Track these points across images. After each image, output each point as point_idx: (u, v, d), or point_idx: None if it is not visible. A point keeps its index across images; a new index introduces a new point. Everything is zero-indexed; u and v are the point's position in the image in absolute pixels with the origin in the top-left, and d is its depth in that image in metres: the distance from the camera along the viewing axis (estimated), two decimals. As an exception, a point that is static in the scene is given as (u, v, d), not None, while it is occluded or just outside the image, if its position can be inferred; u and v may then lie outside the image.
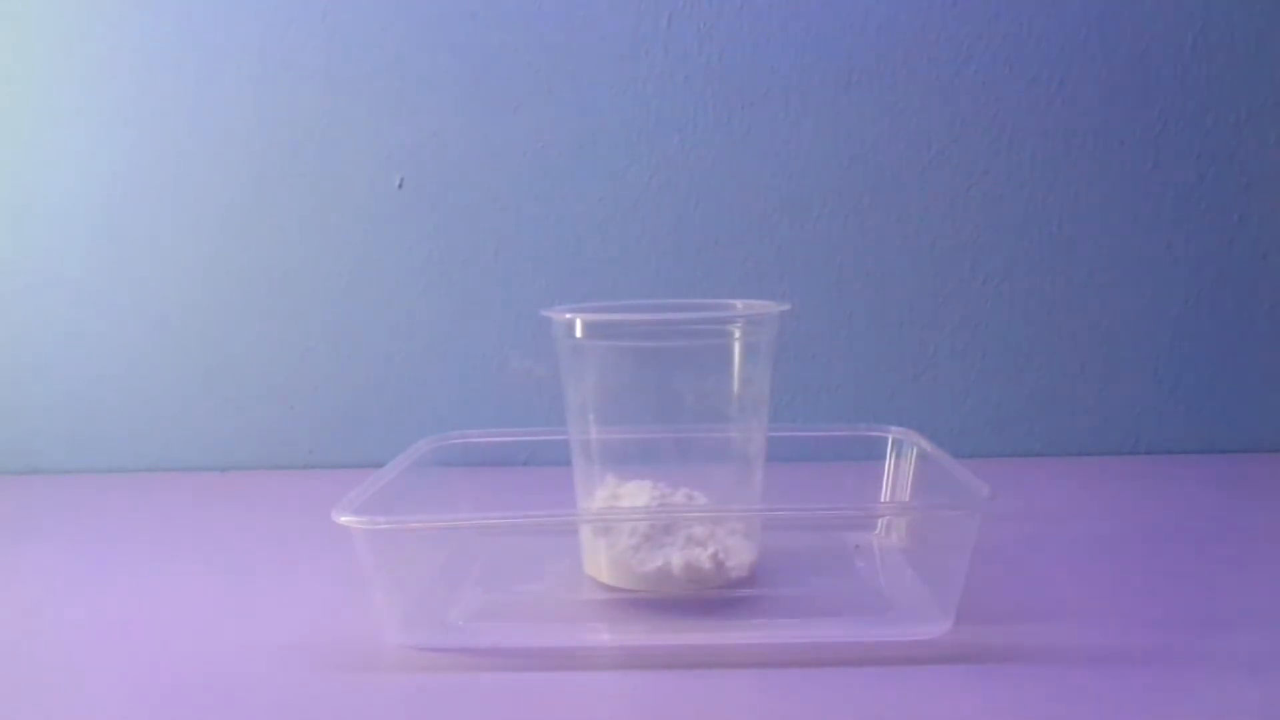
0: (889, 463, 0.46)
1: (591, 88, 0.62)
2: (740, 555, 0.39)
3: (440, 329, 0.65)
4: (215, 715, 0.31)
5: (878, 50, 0.61)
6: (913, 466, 0.44)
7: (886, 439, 0.46)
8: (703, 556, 0.38)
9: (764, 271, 0.63)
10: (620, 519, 0.39)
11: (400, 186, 0.64)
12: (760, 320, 0.40)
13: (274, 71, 0.63)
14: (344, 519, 0.34)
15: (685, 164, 0.62)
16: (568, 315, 0.39)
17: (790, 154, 0.62)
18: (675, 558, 0.38)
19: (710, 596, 0.38)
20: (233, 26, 0.63)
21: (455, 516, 0.44)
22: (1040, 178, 0.62)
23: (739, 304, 0.43)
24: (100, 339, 0.66)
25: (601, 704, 0.32)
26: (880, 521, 0.46)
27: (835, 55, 0.61)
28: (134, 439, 0.66)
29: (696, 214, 0.63)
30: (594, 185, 0.63)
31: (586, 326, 0.39)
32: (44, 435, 0.67)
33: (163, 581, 0.44)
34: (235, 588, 0.43)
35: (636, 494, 0.40)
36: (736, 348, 0.40)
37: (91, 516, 0.56)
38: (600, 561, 0.39)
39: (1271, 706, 0.30)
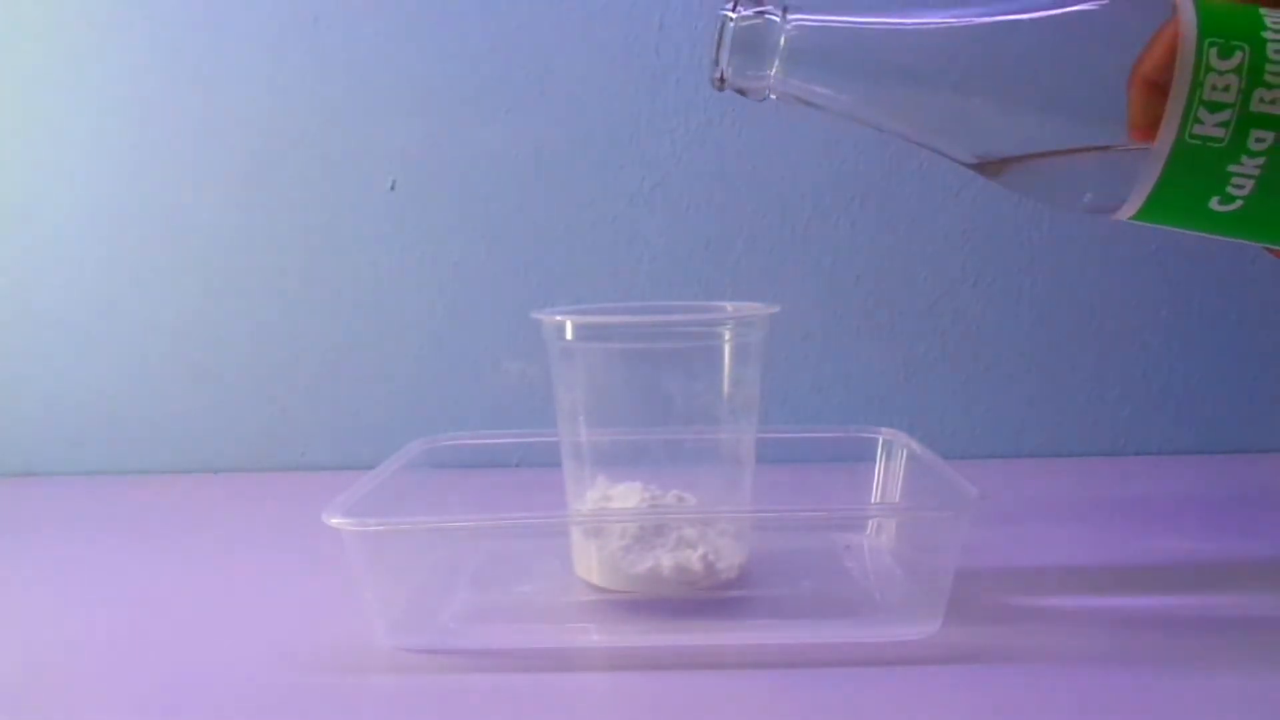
0: (879, 464, 0.46)
1: (583, 90, 0.62)
2: (730, 556, 0.39)
3: (432, 331, 0.65)
4: (206, 717, 0.31)
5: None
6: (903, 467, 0.44)
7: (876, 440, 0.46)
8: (693, 558, 0.38)
9: (754, 273, 0.63)
10: (611, 520, 0.39)
11: (392, 188, 0.64)
12: (750, 322, 0.40)
13: (266, 74, 0.63)
14: (334, 521, 0.34)
15: (676, 166, 0.62)
16: (558, 317, 0.39)
17: (781, 156, 0.62)
18: (665, 559, 0.38)
19: (700, 597, 0.38)
20: (225, 30, 0.63)
21: (446, 518, 0.44)
22: (1030, 180, 0.62)
23: (729, 306, 0.43)
24: (93, 341, 0.66)
25: (592, 705, 0.32)
26: (870, 522, 0.46)
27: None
28: (127, 441, 0.66)
29: (687, 216, 0.63)
30: (585, 187, 0.63)
31: (577, 329, 0.39)
32: (37, 437, 0.66)
33: (155, 583, 0.44)
34: (226, 589, 0.43)
35: (627, 496, 0.40)
36: (727, 350, 0.40)
37: (84, 518, 0.56)
38: (591, 563, 0.40)
39: (1261, 706, 0.30)
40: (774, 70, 0.32)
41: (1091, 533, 0.48)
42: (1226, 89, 0.27)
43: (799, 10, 0.32)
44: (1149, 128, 0.28)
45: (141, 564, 0.47)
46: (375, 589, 0.36)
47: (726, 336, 0.40)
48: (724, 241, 0.63)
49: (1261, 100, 0.27)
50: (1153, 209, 0.29)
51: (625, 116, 0.62)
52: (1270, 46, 0.27)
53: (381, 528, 0.35)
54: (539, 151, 0.63)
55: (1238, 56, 0.27)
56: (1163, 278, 0.62)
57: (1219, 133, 0.27)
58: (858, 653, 0.34)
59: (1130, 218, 0.30)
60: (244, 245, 0.65)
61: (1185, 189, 0.29)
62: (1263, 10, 0.28)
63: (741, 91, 0.33)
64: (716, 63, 0.33)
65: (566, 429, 0.41)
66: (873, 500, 0.46)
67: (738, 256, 0.63)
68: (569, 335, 0.40)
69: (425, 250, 0.64)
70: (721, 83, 0.33)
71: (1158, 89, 0.28)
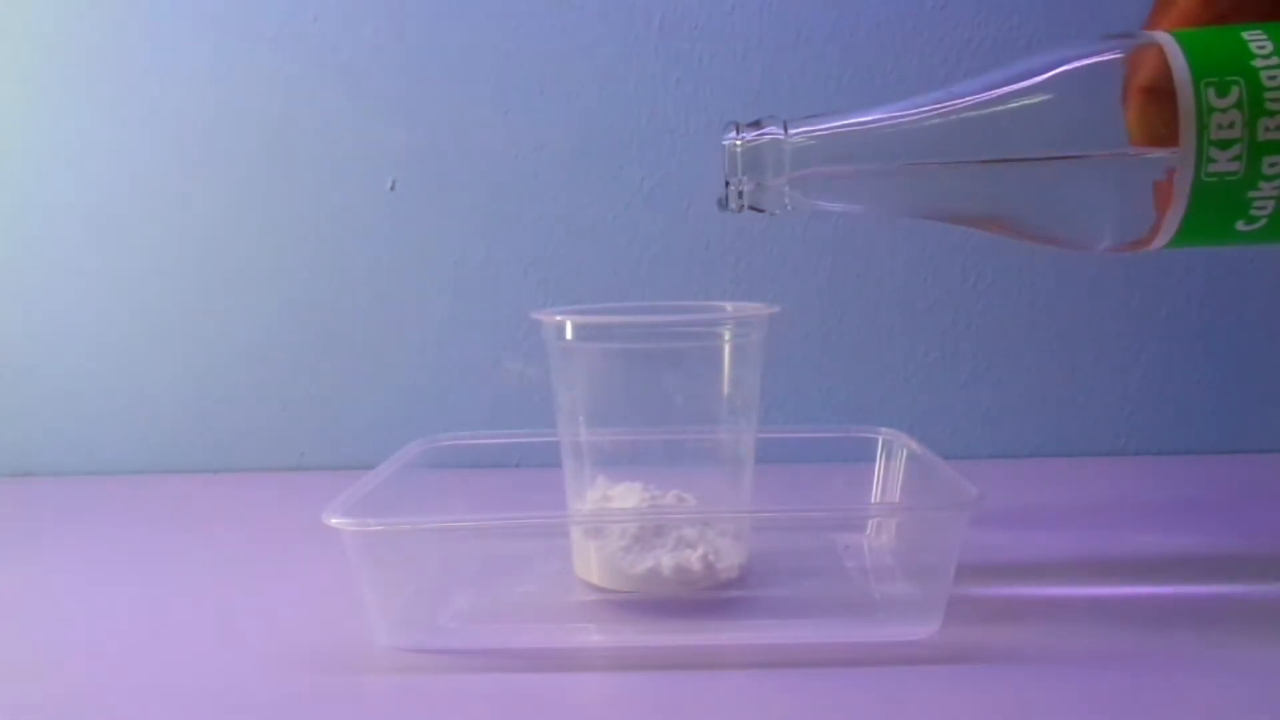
0: (879, 464, 0.46)
1: (583, 90, 0.62)
2: (730, 556, 0.39)
3: (432, 331, 0.65)
4: (205, 717, 0.31)
5: (869, 52, 0.61)
6: (902, 467, 0.44)
7: (876, 440, 0.46)
8: (693, 558, 0.38)
9: (755, 273, 0.63)
10: (610, 520, 0.39)
11: (392, 189, 0.64)
12: (750, 322, 0.40)
13: (265, 73, 0.63)
14: (334, 521, 0.34)
15: (677, 166, 0.62)
16: (558, 318, 0.39)
17: (781, 156, 0.62)
18: (665, 559, 0.38)
19: (700, 598, 0.38)
20: (225, 29, 0.63)
21: (446, 518, 0.44)
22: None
23: (729, 306, 0.43)
24: (92, 340, 0.66)
25: (592, 705, 0.32)
26: (869, 522, 0.46)
27: (827, 57, 0.61)
28: (126, 440, 0.66)
29: (688, 216, 0.63)
30: (585, 187, 0.63)
31: (577, 329, 0.39)
32: (36, 437, 0.66)
33: (153, 583, 0.44)
34: (226, 589, 0.43)
35: (627, 496, 0.40)
36: (726, 350, 0.40)
37: (83, 518, 0.56)
38: (591, 563, 0.39)
39: (1262, 705, 0.30)
40: (787, 183, 0.33)
41: (1092, 533, 0.48)
42: (1232, 125, 0.28)
43: (797, 122, 0.33)
44: (1153, 134, 0.29)
45: (141, 564, 0.47)
46: (375, 589, 0.36)
47: (726, 336, 0.40)
48: (724, 241, 0.63)
49: (1267, 129, 0.28)
50: (1181, 240, 0.31)
51: (625, 116, 0.62)
52: (1264, 74, 0.28)
53: (381, 528, 0.35)
54: (539, 151, 0.63)
55: (1235, 92, 0.28)
56: (1163, 277, 0.62)
57: (1234, 167, 0.28)
58: (858, 653, 0.34)
59: (1159, 249, 0.32)
60: (244, 245, 0.65)
61: (1210, 219, 0.30)
62: (1244, 35, 0.29)
63: (757, 209, 0.35)
64: (730, 188, 0.34)
65: (566, 429, 0.41)
66: (873, 500, 0.46)
67: (738, 256, 0.63)
68: (569, 335, 0.40)
69: (425, 250, 0.64)
70: (741, 207, 0.35)
71: (1154, 94, 0.29)
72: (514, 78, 0.62)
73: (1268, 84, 0.28)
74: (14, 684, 0.34)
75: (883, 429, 0.46)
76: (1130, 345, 0.63)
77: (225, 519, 0.55)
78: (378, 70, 0.63)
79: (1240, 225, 0.30)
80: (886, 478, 0.45)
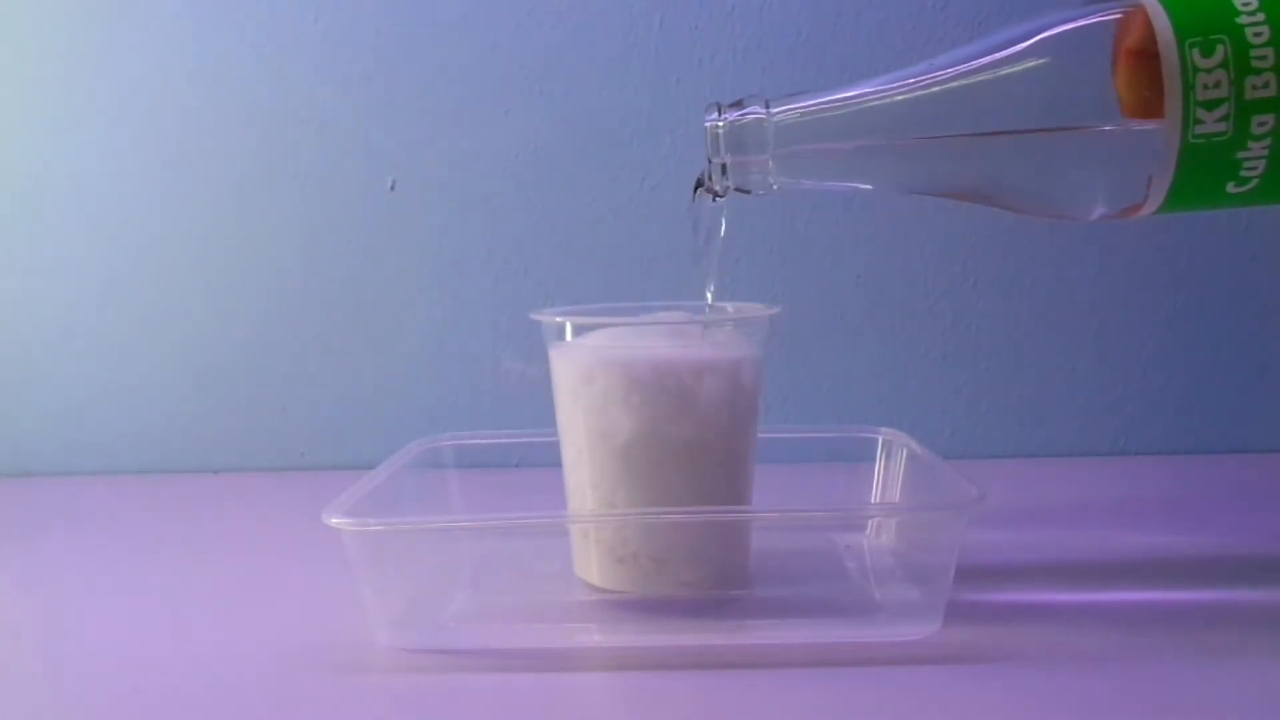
0: (879, 464, 0.46)
1: (583, 89, 0.62)
2: (730, 556, 0.39)
3: (432, 331, 0.65)
4: (205, 717, 0.31)
5: (869, 53, 0.61)
6: (903, 467, 0.44)
7: (877, 440, 0.46)
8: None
9: (755, 273, 0.63)
10: (611, 520, 0.39)
11: (392, 188, 0.64)
12: (751, 323, 0.40)
13: (266, 74, 0.63)
14: (335, 520, 0.34)
15: (677, 165, 0.62)
16: (557, 318, 0.39)
17: (781, 156, 0.62)
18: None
19: (701, 597, 0.38)
20: (225, 29, 0.63)
21: (447, 518, 0.44)
22: (1030, 180, 0.62)
23: (730, 307, 0.43)
24: (92, 341, 0.66)
25: (593, 705, 0.32)
26: (870, 522, 0.46)
27: (826, 57, 0.61)
28: (126, 441, 0.66)
29: (687, 216, 0.63)
30: (586, 187, 0.63)
31: (577, 329, 0.39)
32: (36, 437, 0.66)
33: (154, 583, 0.44)
34: (226, 589, 0.43)
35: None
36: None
37: (84, 519, 0.56)
38: (591, 563, 0.39)
39: (1263, 704, 0.30)
40: (771, 162, 0.33)
41: (1091, 533, 0.48)
42: (1218, 85, 0.28)
43: (780, 100, 0.33)
44: (1141, 98, 0.29)
45: (141, 564, 0.47)
46: (375, 589, 0.36)
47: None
48: (724, 241, 0.63)
49: (1254, 87, 0.28)
50: (1171, 204, 0.30)
51: (625, 116, 0.62)
52: (1249, 31, 0.28)
53: (381, 528, 0.35)
54: (539, 151, 0.63)
55: (1220, 52, 0.28)
56: (1163, 277, 0.62)
57: (1221, 127, 0.28)
58: (858, 653, 0.34)
59: (1151, 214, 0.31)
60: (244, 245, 0.65)
61: (1200, 182, 0.29)
62: None
63: (744, 190, 0.34)
64: (715, 171, 0.34)
65: (566, 429, 0.41)
66: (873, 500, 0.46)
67: (738, 256, 0.63)
68: (569, 335, 0.39)
69: (425, 250, 0.64)
70: (726, 189, 0.34)
71: (1141, 57, 0.28)
72: (514, 77, 0.62)
73: (1253, 41, 0.28)
74: (14, 684, 0.34)
75: (883, 429, 0.46)
76: (1130, 345, 0.63)
77: (225, 519, 0.55)
78: (377, 70, 0.63)
79: (1231, 187, 0.29)
80: (886, 478, 0.45)
